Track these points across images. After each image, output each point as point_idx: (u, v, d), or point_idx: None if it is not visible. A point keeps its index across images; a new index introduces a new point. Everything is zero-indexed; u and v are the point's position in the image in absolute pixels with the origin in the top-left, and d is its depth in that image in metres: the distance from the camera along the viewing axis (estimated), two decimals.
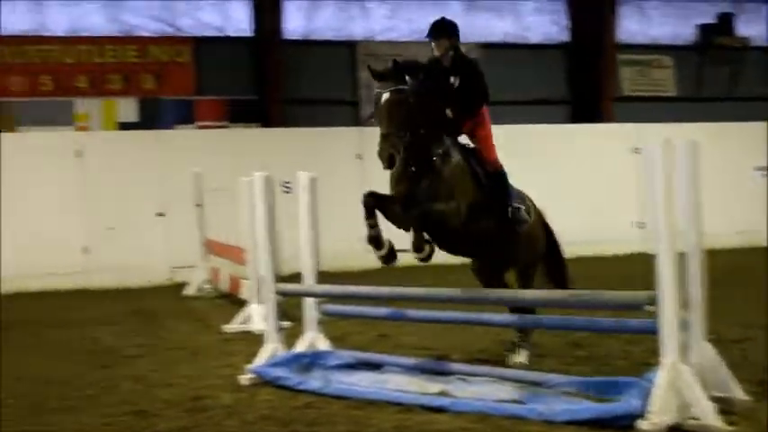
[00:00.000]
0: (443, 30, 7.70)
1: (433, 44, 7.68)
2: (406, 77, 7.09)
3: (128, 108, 20.75)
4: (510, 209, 7.59)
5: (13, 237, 16.36)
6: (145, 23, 21.40)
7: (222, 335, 10.72)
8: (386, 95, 6.99)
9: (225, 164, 16.10)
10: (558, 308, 7.57)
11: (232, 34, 21.94)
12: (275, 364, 7.78)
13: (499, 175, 7.62)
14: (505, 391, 6.70)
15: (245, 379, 7.73)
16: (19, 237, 16.40)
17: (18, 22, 20.63)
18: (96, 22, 21.19)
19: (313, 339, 8.03)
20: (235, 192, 12.31)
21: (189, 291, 15.41)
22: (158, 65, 21.11)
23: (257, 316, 10.62)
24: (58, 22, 20.91)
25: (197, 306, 13.91)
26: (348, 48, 22.37)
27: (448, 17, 7.87)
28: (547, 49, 24.48)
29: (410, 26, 22.85)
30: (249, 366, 7.91)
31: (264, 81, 21.44)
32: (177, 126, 20.51)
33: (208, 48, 21.44)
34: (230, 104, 21.14)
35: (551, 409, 6.16)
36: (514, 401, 6.48)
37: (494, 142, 7.76)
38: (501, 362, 7.85)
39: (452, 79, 7.62)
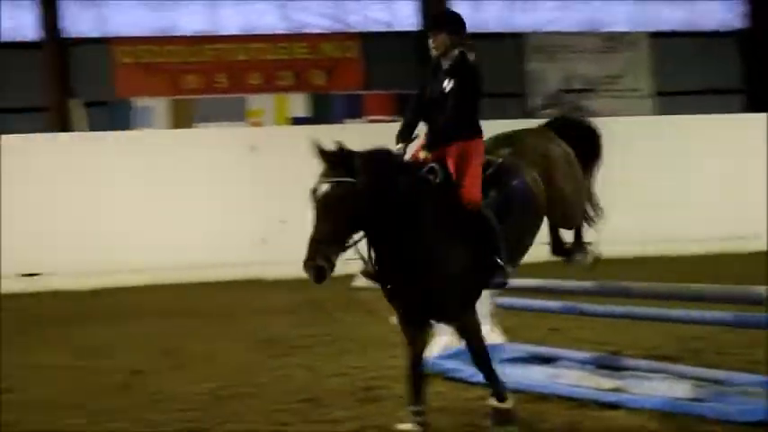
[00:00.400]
0: (439, 23, 6.45)
1: (430, 39, 6.45)
2: (356, 166, 5.75)
3: (299, 103, 21.18)
4: (496, 267, 6.19)
5: (193, 229, 16.93)
6: (315, 21, 21.83)
7: (391, 326, 10.79)
8: (323, 188, 5.74)
9: None
10: (744, 304, 7.26)
11: (399, 29, 22.11)
12: (448, 356, 7.79)
13: (476, 220, 6.19)
14: (683, 389, 6.52)
15: None
16: (199, 229, 16.97)
17: (194, 22, 21.37)
18: (269, 21, 21.74)
19: (486, 332, 8.00)
20: None
21: (358, 282, 15.57)
22: (328, 60, 21.48)
23: None
24: (231, 22, 21.56)
25: (366, 297, 14.04)
26: (515, 40, 22.21)
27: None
28: (721, 36, 23.65)
29: (578, 17, 22.55)
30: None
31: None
32: (347, 120, 20.81)
33: (376, 43, 21.66)
34: (398, 98, 21.28)
35: (732, 408, 5.96)
36: (693, 400, 6.29)
37: (478, 179, 6.29)
38: (678, 358, 7.63)
39: (446, 82, 6.31)
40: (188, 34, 21.23)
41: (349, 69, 21.54)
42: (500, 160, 6.44)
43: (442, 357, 7.81)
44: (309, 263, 5.66)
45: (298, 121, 20.55)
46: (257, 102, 20.93)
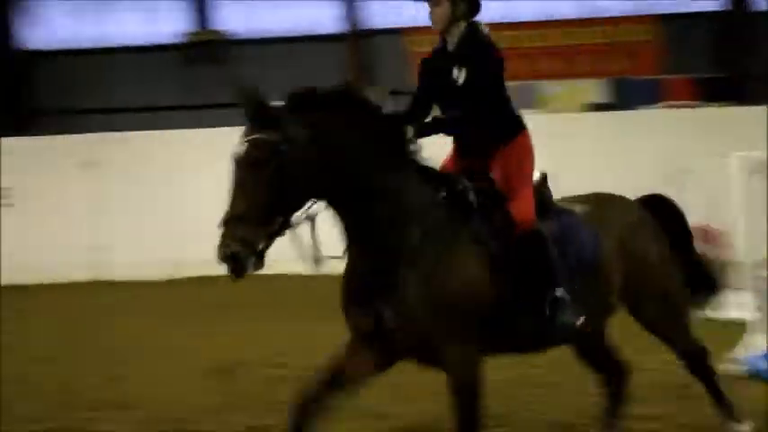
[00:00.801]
0: None
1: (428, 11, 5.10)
2: (287, 121, 4.47)
3: (597, 89, 20.84)
4: (548, 303, 4.87)
5: None
6: (613, 4, 21.37)
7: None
8: (240, 150, 4.44)
9: (694, 144, 15.60)
10: None
11: (700, 10, 21.22)
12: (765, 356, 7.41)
13: (529, 242, 4.86)
14: None
15: (725, 369, 7.30)
16: None
17: (489, 10, 21.38)
18: (564, 6, 21.52)
19: None
20: (704, 173, 11.88)
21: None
22: (626, 45, 20.99)
23: (735, 303, 10.14)
24: (526, 9, 21.52)
25: None
26: None
27: None
28: None
29: None
30: (734, 357, 7.58)
31: (735, 57, 20.49)
32: (645, 106, 20.24)
33: (676, 25, 20.90)
34: (700, 83, 20.46)
35: None
36: None
37: (530, 192, 5.05)
38: None
39: (455, 72, 4.98)
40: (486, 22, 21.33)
41: (648, 53, 20.94)
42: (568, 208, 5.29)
43: (760, 357, 7.43)
44: (219, 249, 4.31)
45: (595, 108, 20.24)
46: (552, 88, 20.81)
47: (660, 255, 5.56)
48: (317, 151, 4.45)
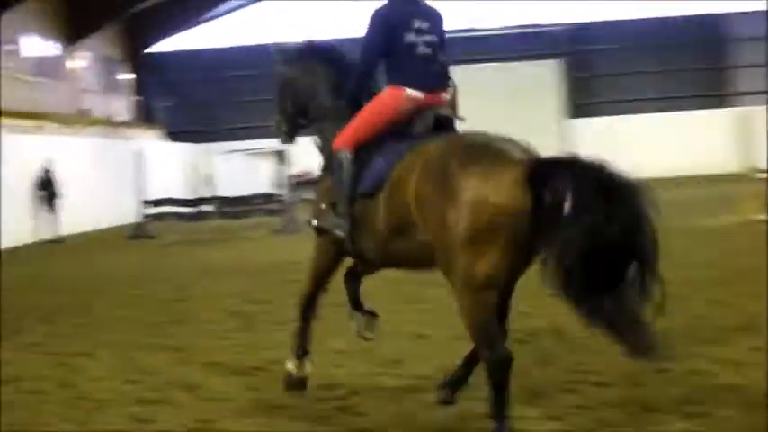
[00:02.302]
0: None
1: None
2: (286, 62, 6.70)
3: None
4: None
5: None
6: None
7: None
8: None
9: None
10: None
11: None
12: None
13: (332, 161, 6.10)
14: None
15: None
16: None
17: None
18: None
19: None
20: None
21: None
22: None
23: None
24: None
25: None
26: None
27: None
28: None
29: None
30: None
31: None
32: None
33: None
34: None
35: None
36: None
37: (360, 125, 5.94)
38: None
39: None
40: None
41: None
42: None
43: None
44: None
45: None
46: None
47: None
48: (292, 84, 6.57)
